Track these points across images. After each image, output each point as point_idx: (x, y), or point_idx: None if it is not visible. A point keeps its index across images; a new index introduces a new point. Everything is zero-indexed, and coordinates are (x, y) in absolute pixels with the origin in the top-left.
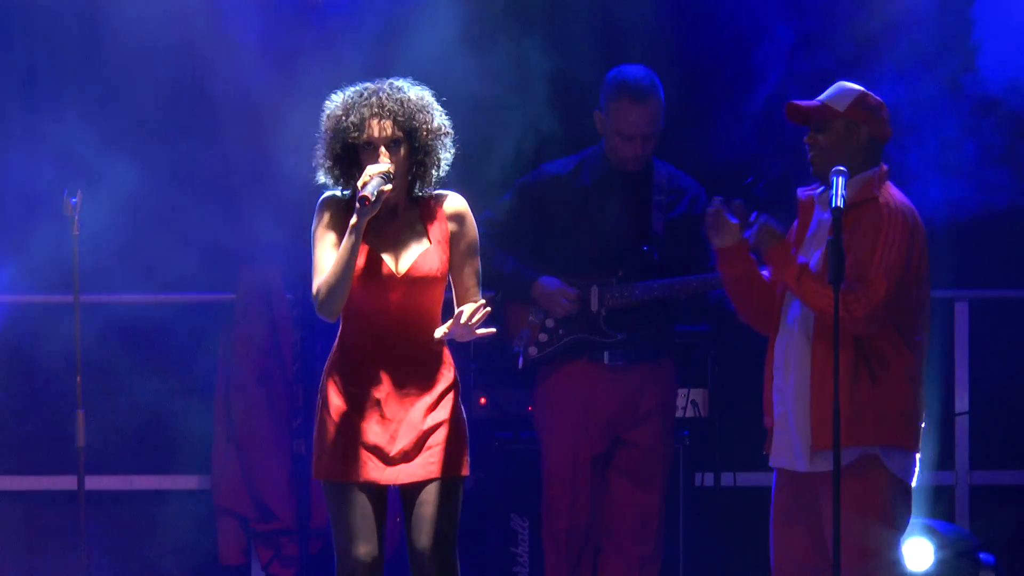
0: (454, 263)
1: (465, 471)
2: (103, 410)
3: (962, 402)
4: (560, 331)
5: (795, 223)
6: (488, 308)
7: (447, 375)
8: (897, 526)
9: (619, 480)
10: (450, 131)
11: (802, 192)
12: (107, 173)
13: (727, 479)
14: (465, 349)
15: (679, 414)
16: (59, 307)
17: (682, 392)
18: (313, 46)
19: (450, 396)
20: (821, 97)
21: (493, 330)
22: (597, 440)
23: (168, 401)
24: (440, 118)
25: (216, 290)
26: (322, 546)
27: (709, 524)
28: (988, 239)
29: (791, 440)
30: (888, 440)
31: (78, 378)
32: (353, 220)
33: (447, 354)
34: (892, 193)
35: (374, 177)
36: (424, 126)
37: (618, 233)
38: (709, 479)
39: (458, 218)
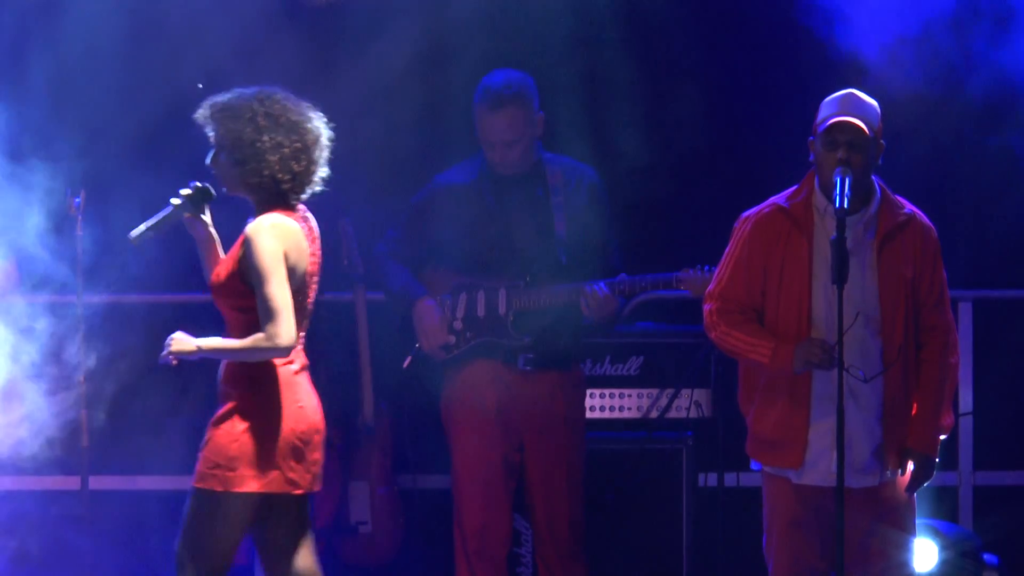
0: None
1: (215, 485)
2: (107, 411)
3: (966, 403)
4: (468, 333)
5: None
6: None
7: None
8: None
9: (530, 489)
10: (260, 137)
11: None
12: (111, 174)
13: (730, 479)
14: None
15: (682, 414)
16: (62, 307)
17: (685, 392)
18: (314, 50)
19: (230, 409)
20: (857, 118)
21: None
22: (507, 443)
23: (171, 401)
24: (246, 122)
25: None
26: (323, 547)
27: (712, 524)
28: (992, 239)
29: (837, 458)
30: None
31: (81, 379)
32: None
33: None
34: (909, 203)
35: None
36: (221, 128)
37: (523, 235)
38: (712, 479)
39: (244, 242)
